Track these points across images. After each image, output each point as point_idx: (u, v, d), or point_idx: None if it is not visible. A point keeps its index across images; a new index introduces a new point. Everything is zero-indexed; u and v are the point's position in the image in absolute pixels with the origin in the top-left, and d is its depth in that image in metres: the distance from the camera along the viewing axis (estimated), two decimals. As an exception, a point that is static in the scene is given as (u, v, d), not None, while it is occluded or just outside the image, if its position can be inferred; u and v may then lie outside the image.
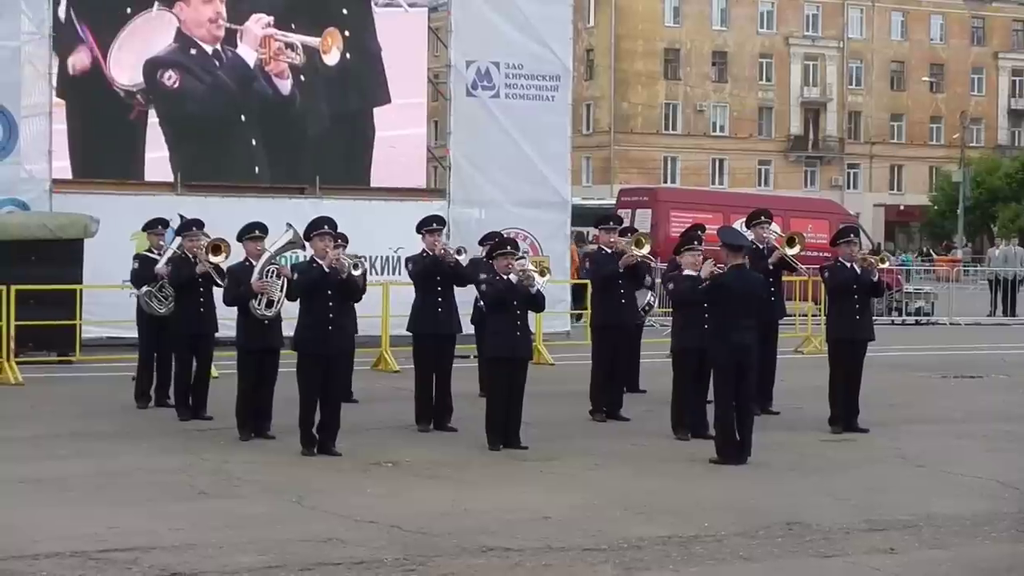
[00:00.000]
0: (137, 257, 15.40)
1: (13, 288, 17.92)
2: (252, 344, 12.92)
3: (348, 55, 23.53)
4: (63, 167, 21.48)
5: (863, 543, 9.22)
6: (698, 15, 76.74)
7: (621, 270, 14.65)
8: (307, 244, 12.69)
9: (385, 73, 23.70)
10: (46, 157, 20.71)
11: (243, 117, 23.17)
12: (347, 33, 23.54)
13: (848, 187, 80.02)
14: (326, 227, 12.43)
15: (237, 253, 13.69)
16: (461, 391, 14.36)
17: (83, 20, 21.96)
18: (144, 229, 15.86)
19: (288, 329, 12.87)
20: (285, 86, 23.21)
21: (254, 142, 23.31)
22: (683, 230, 15.12)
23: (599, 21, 75.30)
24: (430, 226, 13.99)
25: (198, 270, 14.07)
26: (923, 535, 9.47)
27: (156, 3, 22.31)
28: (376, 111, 23.87)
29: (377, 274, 21.44)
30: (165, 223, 15.77)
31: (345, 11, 23.69)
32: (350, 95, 23.77)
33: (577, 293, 23.04)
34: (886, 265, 14.58)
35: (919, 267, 45.88)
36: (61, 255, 19.03)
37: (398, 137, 23.94)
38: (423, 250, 13.94)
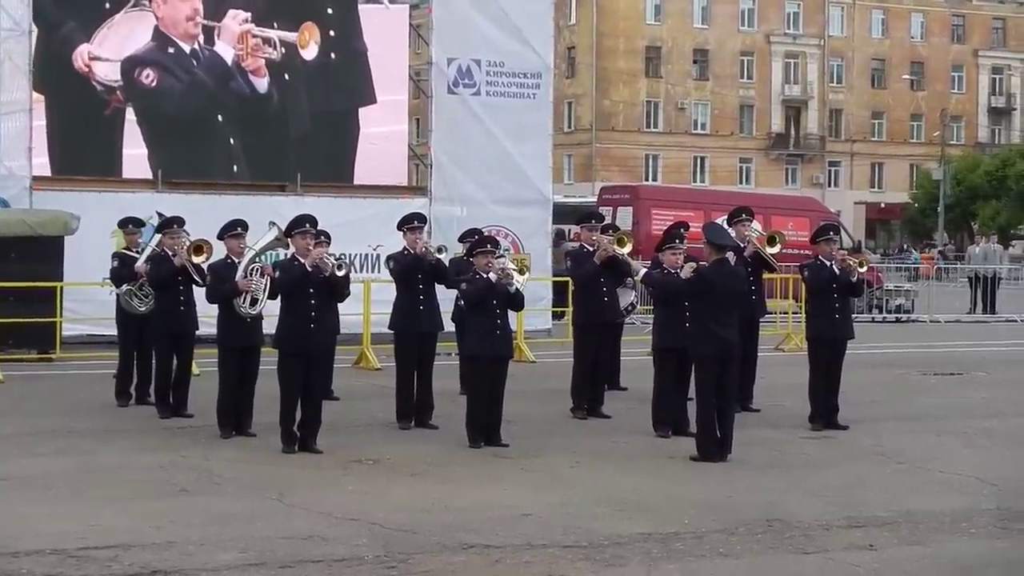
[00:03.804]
0: (116, 255, 15.37)
1: (-7, 285, 17.91)
2: (233, 342, 12.91)
3: (333, 54, 23.52)
4: (42, 164, 21.42)
5: (842, 540, 9.25)
6: (679, 13, 76.83)
7: (597, 262, 14.63)
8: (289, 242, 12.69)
9: (371, 73, 23.70)
10: (26, 154, 20.64)
11: (220, 117, 23.13)
12: (332, 32, 23.53)
13: (829, 185, 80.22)
14: (307, 225, 12.43)
15: (218, 252, 13.67)
16: (442, 389, 14.36)
17: (63, 15, 21.91)
18: (119, 227, 15.82)
19: (269, 327, 12.86)
20: (262, 84, 23.18)
21: (232, 140, 23.28)
22: (665, 228, 15.10)
23: (580, 19, 75.35)
24: (411, 224, 13.98)
25: (176, 262, 14.03)
26: (902, 532, 9.51)
27: (132, -1, 22.32)
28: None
29: (358, 272, 21.43)
30: (138, 222, 15.69)
31: (330, 10, 23.67)
32: (334, 94, 23.75)
33: (559, 291, 23.06)
34: (864, 270, 14.58)
35: (900, 264, 45.97)
36: (41, 252, 18.99)
37: (379, 134, 23.94)
38: (404, 248, 13.93)
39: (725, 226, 15.17)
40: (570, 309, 16.26)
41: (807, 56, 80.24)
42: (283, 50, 23.14)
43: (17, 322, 18.34)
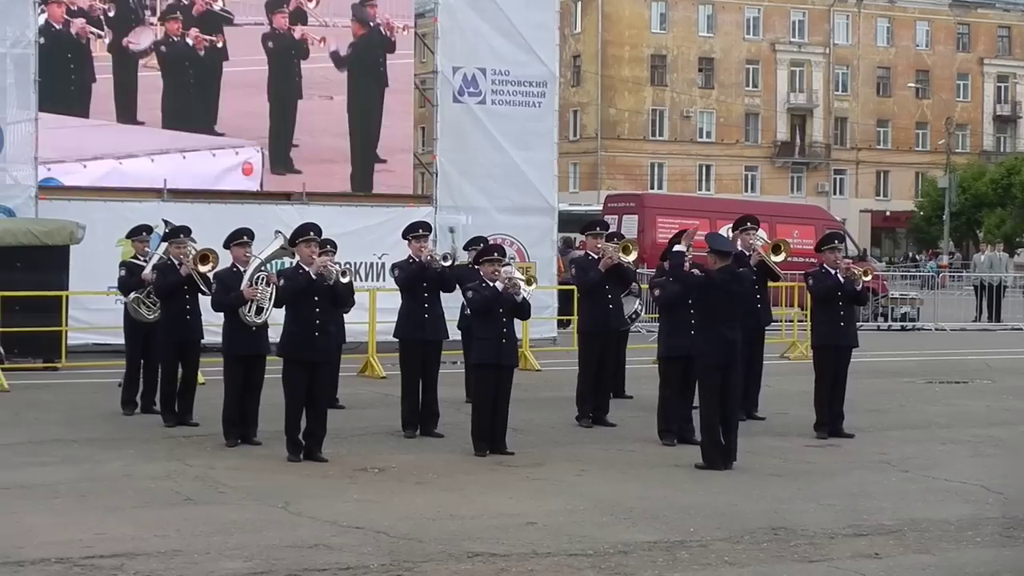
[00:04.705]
0: (124, 264, 15.39)
1: (-1, 294, 17.93)
2: (238, 350, 12.93)
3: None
4: (48, 173, 21.44)
5: (848, 548, 9.24)
6: (684, 21, 76.92)
7: (602, 271, 14.64)
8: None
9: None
10: (32, 163, 20.68)
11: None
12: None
13: (834, 193, 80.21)
14: (312, 233, 12.45)
15: (224, 261, 13.69)
16: (447, 397, 14.37)
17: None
18: (128, 236, 15.85)
19: (274, 335, 12.87)
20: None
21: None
22: (670, 236, 15.10)
23: (586, 27, 75.43)
24: (416, 232, 14.00)
25: (182, 272, 14.06)
26: (907, 540, 9.50)
27: (147, 12, 22.31)
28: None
29: (363, 280, 21.45)
30: (149, 229, 15.75)
31: None
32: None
33: (564, 299, 23.06)
34: (868, 279, 14.58)
35: (905, 272, 45.95)
36: (47, 261, 19.00)
37: (385, 143, 23.94)
38: (409, 256, 13.94)
39: (730, 234, 15.21)
40: (575, 317, 16.24)
41: (812, 64, 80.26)
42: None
43: (23, 331, 18.36)
